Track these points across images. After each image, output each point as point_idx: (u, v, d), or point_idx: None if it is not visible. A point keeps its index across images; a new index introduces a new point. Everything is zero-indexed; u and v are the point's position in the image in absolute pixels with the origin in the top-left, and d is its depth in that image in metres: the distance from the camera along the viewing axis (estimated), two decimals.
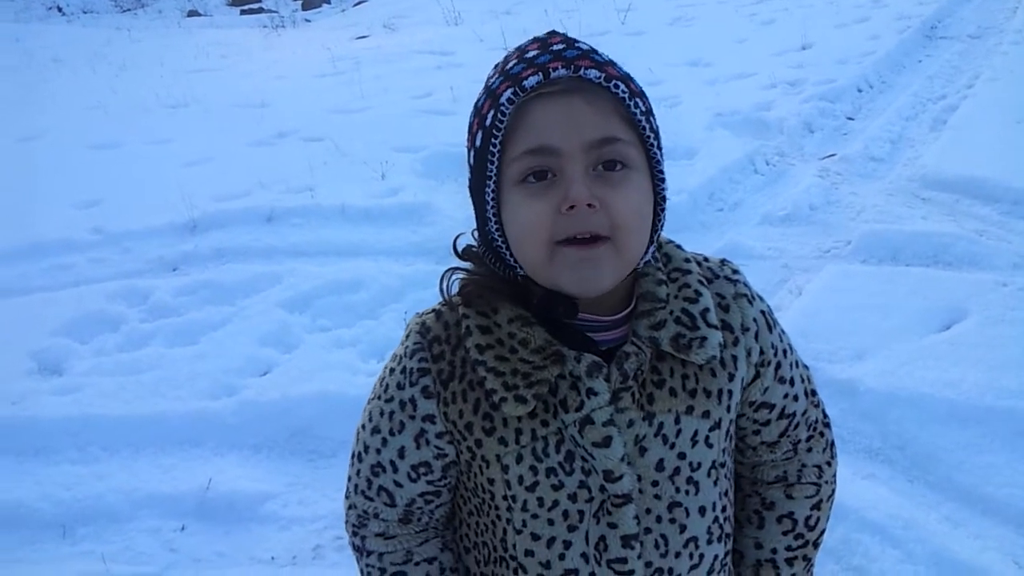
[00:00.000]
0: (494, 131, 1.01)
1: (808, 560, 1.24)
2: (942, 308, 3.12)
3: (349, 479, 1.19)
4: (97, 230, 4.46)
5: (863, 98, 5.97)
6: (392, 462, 1.13)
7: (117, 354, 3.35)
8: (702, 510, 1.09)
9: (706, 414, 1.08)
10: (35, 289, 3.95)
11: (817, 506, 1.22)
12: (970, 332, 2.95)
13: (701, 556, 1.11)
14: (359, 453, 1.17)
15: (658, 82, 6.37)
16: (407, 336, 1.13)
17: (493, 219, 1.05)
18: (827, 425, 1.25)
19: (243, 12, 15.43)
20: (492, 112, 1.02)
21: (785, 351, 1.17)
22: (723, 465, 1.13)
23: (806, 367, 1.24)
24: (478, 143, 1.04)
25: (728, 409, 1.10)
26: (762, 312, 1.15)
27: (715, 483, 1.11)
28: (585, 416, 1.04)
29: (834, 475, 1.24)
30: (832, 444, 1.25)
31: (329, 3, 15.74)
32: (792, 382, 1.18)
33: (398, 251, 4.02)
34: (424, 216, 4.29)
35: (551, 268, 1.01)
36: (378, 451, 1.14)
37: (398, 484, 1.13)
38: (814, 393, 1.24)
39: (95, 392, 3.07)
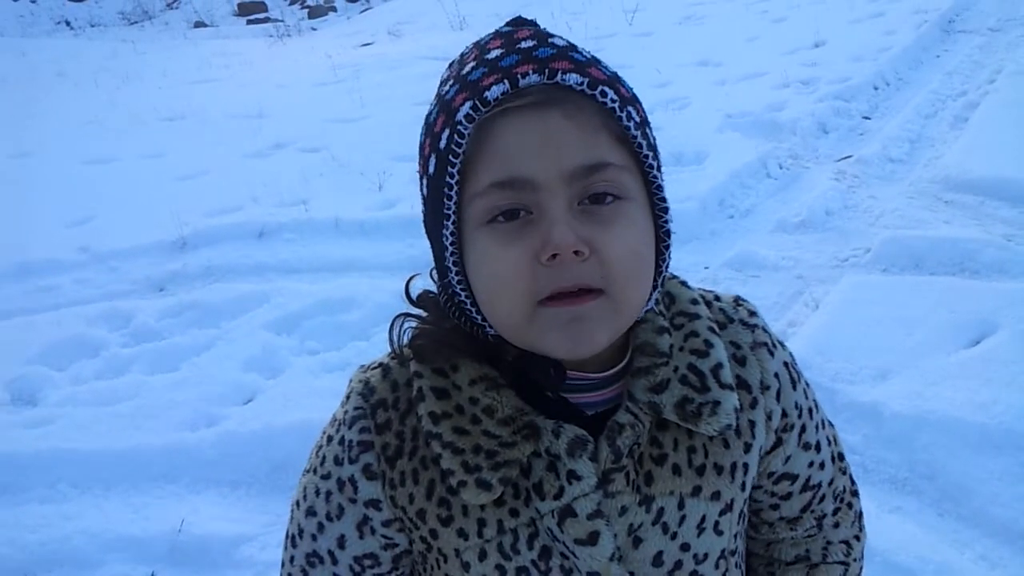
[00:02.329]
0: (451, 157, 0.79)
1: None
2: (971, 321, 2.89)
3: (283, 565, 0.98)
4: (84, 249, 4.34)
5: (879, 96, 5.74)
6: (331, 552, 0.92)
7: (94, 382, 3.18)
8: None
9: (716, 495, 0.88)
10: (16, 312, 3.81)
11: None
12: (1002, 347, 2.72)
13: None
14: (293, 536, 0.97)
15: (666, 83, 6.19)
16: (347, 398, 0.93)
17: (454, 268, 0.83)
18: (855, 494, 1.05)
19: (249, 22, 15.39)
20: (447, 132, 0.80)
21: (811, 410, 0.97)
22: (733, 553, 0.92)
23: (831, 425, 1.03)
24: (431, 170, 0.82)
25: (743, 487, 0.90)
26: (785, 364, 0.94)
27: (726, 571, 0.91)
28: (565, 506, 0.83)
29: (863, 551, 1.05)
30: (860, 516, 1.05)
31: (336, 10, 15.65)
32: (818, 447, 0.97)
33: (393, 266, 3.83)
34: (421, 229, 4.08)
35: (531, 330, 0.80)
36: (314, 537, 0.93)
37: None
38: (841, 457, 1.03)
39: (69, 424, 2.90)
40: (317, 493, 0.92)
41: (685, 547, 0.87)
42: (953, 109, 5.28)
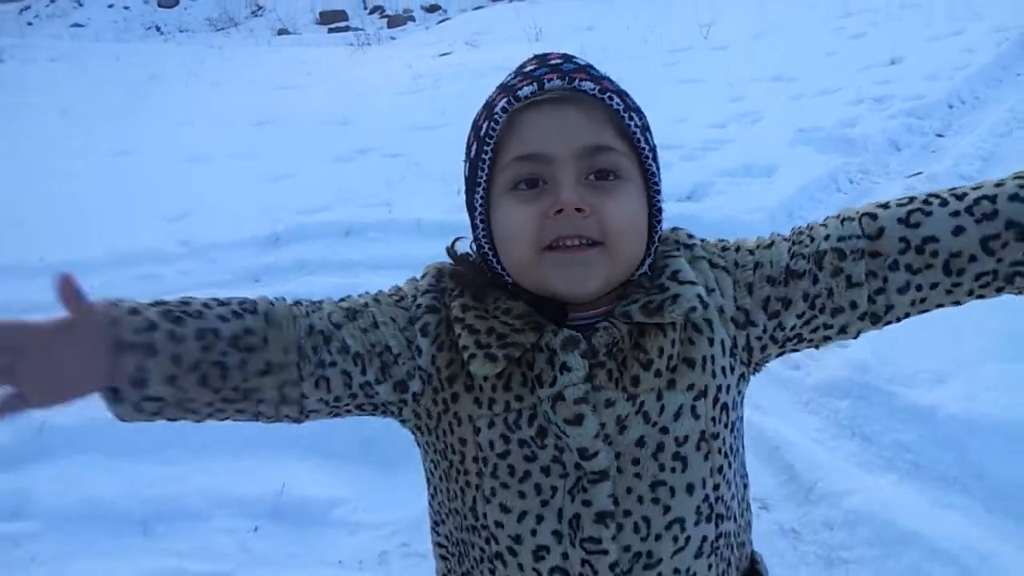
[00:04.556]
0: (487, 139, 1.03)
1: None
2: None
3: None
4: (185, 242, 4.64)
5: (954, 114, 5.79)
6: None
7: None
8: (690, 488, 1.04)
9: (690, 387, 1.04)
10: (125, 296, 4.11)
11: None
12: None
13: (687, 538, 1.04)
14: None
15: (739, 98, 6.31)
16: (423, 276, 1.13)
17: (481, 225, 1.07)
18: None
19: (331, 30, 15.86)
20: (487, 123, 1.04)
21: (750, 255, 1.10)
22: (716, 436, 1.06)
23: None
24: (472, 154, 1.07)
25: (714, 375, 1.05)
26: (723, 268, 1.10)
27: (705, 457, 1.04)
28: (558, 393, 1.01)
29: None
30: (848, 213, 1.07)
31: (414, 20, 16.05)
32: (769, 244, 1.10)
33: None
34: None
35: (538, 271, 1.01)
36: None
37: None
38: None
39: None
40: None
41: (664, 431, 1.03)
42: None
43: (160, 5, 18.40)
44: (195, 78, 10.08)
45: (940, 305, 1.05)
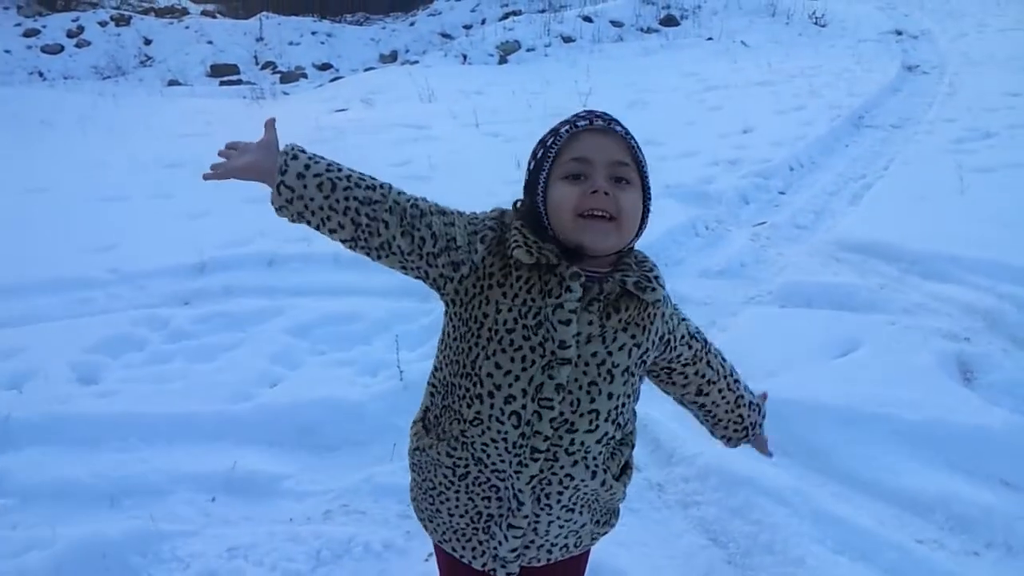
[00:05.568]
0: (552, 146, 1.66)
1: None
2: (841, 340, 3.78)
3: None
4: (113, 270, 4.94)
5: (794, 175, 6.73)
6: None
7: (145, 367, 3.86)
8: (610, 395, 1.68)
9: (634, 336, 1.69)
10: (61, 317, 4.43)
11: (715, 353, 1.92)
12: (862, 357, 3.60)
13: (597, 426, 1.68)
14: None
15: None
16: (490, 213, 1.73)
17: (541, 196, 1.66)
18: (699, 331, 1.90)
19: (222, 83, 16.11)
20: (553, 138, 1.67)
21: (676, 314, 1.83)
22: (632, 375, 1.71)
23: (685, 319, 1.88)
24: (539, 155, 1.70)
25: (647, 343, 1.71)
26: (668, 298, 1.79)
27: (624, 383, 1.69)
28: (559, 303, 1.62)
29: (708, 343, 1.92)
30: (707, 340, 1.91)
31: (307, 77, 16.53)
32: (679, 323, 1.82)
33: (386, 291, 4.56)
34: None
35: (574, 229, 1.62)
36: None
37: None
38: (687, 324, 1.87)
39: (130, 397, 3.57)
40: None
41: (609, 353, 1.66)
42: (853, 189, 6.29)
43: (43, 51, 18.20)
44: (91, 123, 10.16)
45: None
